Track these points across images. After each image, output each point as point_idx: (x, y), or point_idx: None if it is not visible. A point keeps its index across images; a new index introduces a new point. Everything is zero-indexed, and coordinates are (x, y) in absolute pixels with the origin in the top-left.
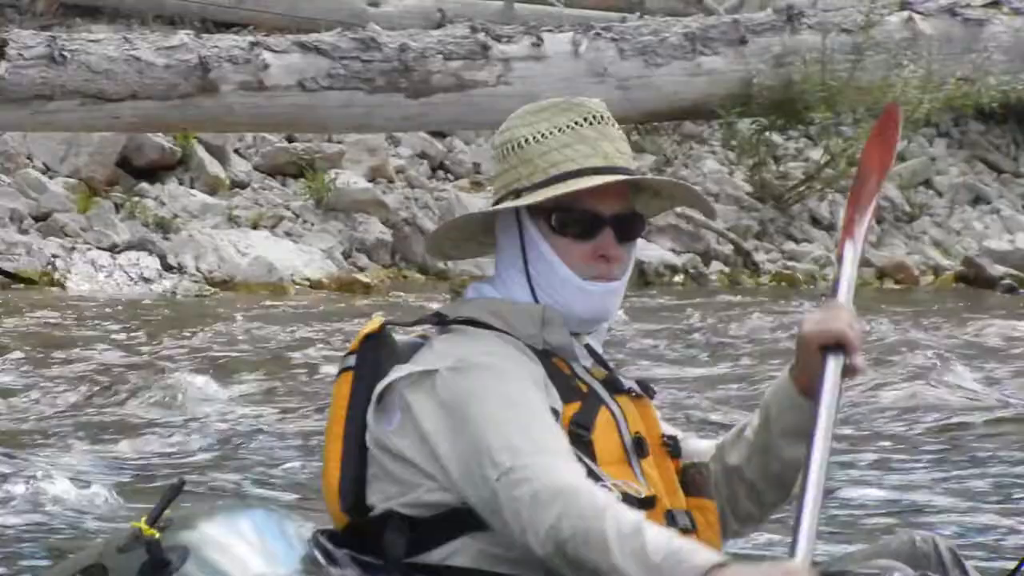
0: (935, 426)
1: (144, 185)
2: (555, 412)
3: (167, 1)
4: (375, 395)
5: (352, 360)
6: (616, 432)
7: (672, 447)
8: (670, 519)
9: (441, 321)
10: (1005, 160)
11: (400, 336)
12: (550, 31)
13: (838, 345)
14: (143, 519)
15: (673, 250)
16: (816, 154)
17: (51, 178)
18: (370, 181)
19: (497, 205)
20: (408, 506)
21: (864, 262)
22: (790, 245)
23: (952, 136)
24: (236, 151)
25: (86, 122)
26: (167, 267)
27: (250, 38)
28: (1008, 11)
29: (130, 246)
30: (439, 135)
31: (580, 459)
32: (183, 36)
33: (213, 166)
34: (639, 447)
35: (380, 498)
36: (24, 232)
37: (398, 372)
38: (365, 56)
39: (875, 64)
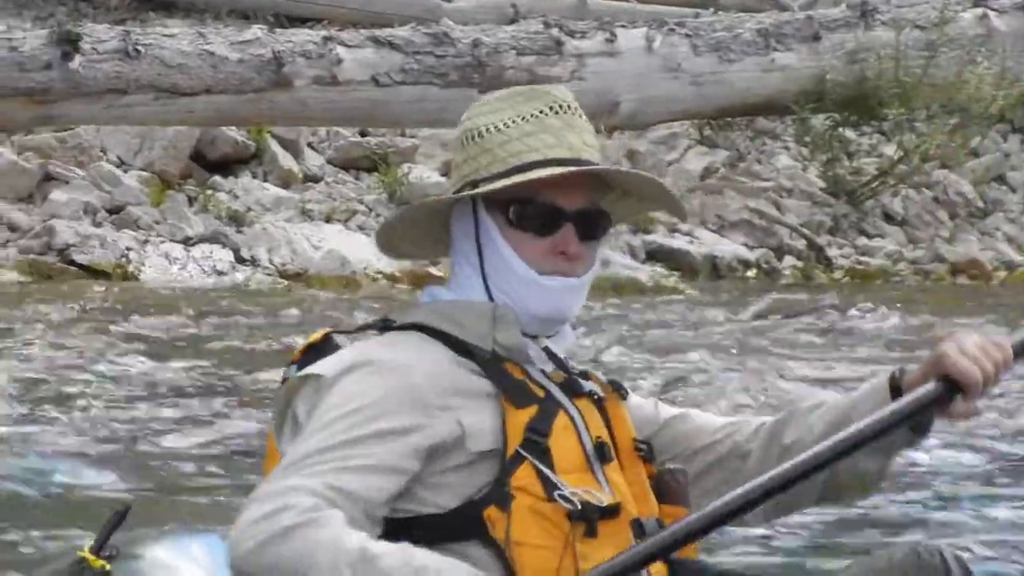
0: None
1: (217, 179)
2: (461, 438)
3: None
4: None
5: (294, 369)
6: (576, 437)
7: (645, 452)
8: (637, 528)
9: (385, 326)
10: None
11: (343, 341)
12: (624, 27)
13: (958, 385)
14: (87, 547)
15: (746, 245)
16: (890, 150)
17: (125, 171)
18: (443, 175)
19: (450, 195)
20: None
21: (937, 258)
22: (863, 240)
23: None
24: (309, 145)
25: (160, 116)
26: (240, 260)
27: (323, 33)
28: None
29: (203, 239)
30: None
31: (537, 468)
32: (256, 31)
33: (286, 160)
34: (601, 452)
35: None
36: (98, 225)
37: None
38: (439, 51)
39: (949, 60)
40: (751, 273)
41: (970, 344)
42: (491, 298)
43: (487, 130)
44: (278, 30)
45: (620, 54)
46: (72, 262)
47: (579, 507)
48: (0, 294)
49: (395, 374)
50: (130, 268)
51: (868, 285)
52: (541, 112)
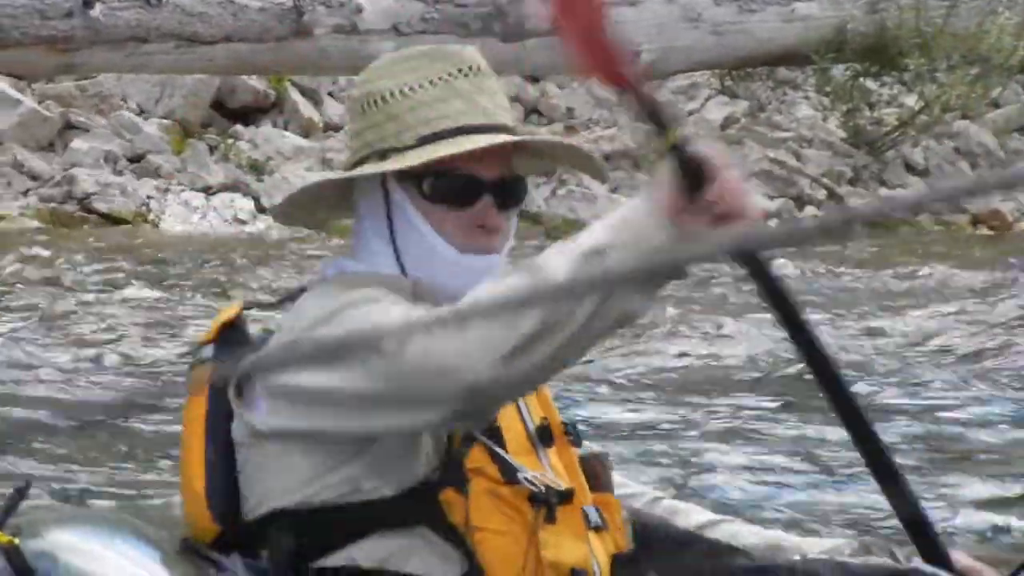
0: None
1: (238, 127)
2: None
3: None
4: (233, 391)
5: (209, 351)
6: (519, 419)
7: (574, 436)
8: (585, 516)
9: (299, 293)
10: None
11: (254, 333)
12: None
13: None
14: None
15: (766, 195)
16: (910, 100)
17: (145, 120)
18: None
19: (358, 167)
20: (303, 502)
21: (958, 209)
22: (884, 191)
23: None
24: (330, 94)
25: (180, 65)
26: (261, 209)
27: None
28: None
29: (224, 188)
30: (533, 79)
31: (491, 449)
32: None
33: (307, 109)
34: (544, 435)
35: (261, 498)
36: (119, 173)
37: (251, 362)
38: (459, 0)
39: (970, 11)
40: (772, 223)
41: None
42: (404, 272)
43: (391, 95)
44: None
45: (641, 3)
46: (93, 210)
47: (542, 489)
48: (22, 242)
49: (362, 289)
50: (150, 216)
51: (890, 234)
52: (449, 75)
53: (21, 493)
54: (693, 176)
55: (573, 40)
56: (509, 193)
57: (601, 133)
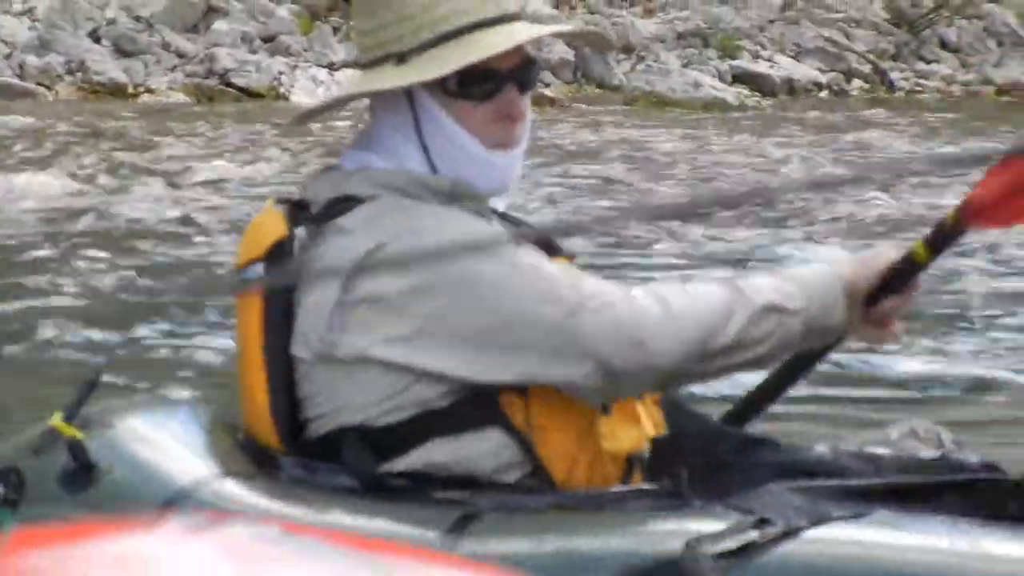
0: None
1: None
2: None
3: None
4: (318, 308)
5: (258, 269)
6: None
7: None
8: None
9: (346, 206)
10: None
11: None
12: None
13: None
14: (57, 416)
15: (819, 69)
16: None
17: (278, 4)
18: (555, 7)
19: (372, 69)
20: (373, 417)
21: (985, 80)
22: (921, 65)
23: None
24: None
25: None
26: None
27: None
28: None
29: (346, 64)
30: None
31: None
32: None
33: None
34: None
35: (329, 415)
36: (254, 52)
37: (330, 274)
38: None
39: None
40: (823, 94)
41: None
42: (435, 170)
43: None
44: None
45: None
46: (231, 84)
47: None
48: (173, 112)
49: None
50: (281, 90)
51: (925, 103)
52: None
53: (92, 384)
54: (890, 287)
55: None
56: (528, 77)
57: (677, 14)
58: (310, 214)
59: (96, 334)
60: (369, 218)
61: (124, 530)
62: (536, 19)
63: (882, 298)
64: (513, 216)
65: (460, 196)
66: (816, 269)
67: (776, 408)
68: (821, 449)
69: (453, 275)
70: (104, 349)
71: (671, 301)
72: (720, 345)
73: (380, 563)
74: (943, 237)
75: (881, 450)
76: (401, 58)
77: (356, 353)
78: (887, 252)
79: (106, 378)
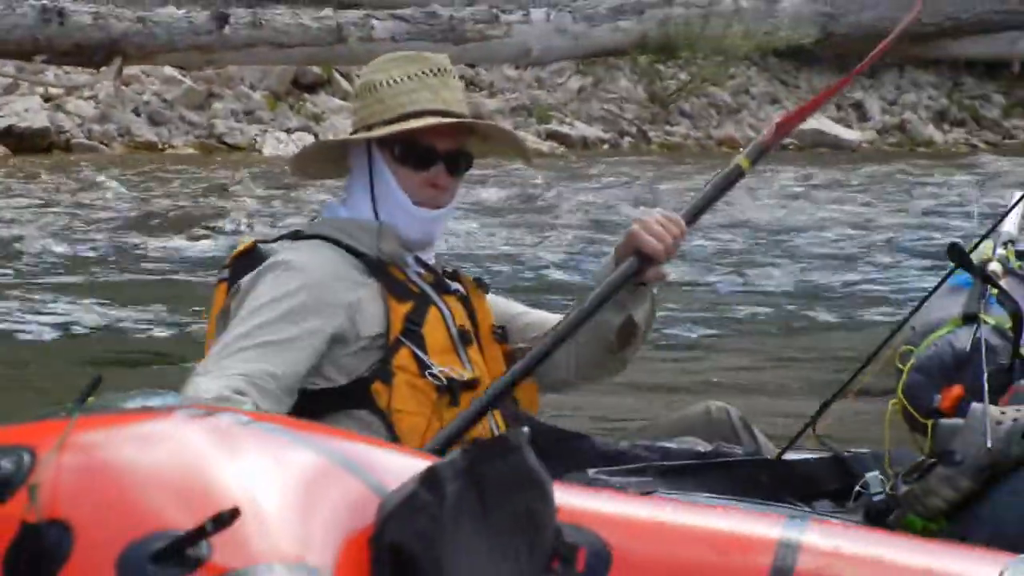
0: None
1: (305, 95)
2: (348, 325)
3: None
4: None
5: (226, 272)
6: (444, 326)
7: (500, 335)
8: (510, 418)
9: (296, 236)
10: None
11: (265, 249)
12: (534, 6)
13: (648, 258)
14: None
15: (603, 130)
16: (683, 75)
17: (254, 90)
18: None
19: (355, 134)
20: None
21: (709, 136)
22: (668, 127)
23: None
24: (357, 75)
25: (274, 59)
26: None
27: (364, 12)
28: None
29: (298, 129)
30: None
31: (412, 351)
32: (328, 11)
33: (344, 83)
34: (464, 337)
35: None
36: (239, 121)
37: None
38: (430, 21)
39: (716, 23)
40: (605, 146)
41: (652, 223)
42: (377, 217)
43: (381, 84)
44: (339, 11)
45: (531, 22)
46: (223, 142)
47: (445, 381)
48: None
49: (303, 272)
50: (256, 146)
51: (671, 152)
52: (423, 73)
53: (93, 386)
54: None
55: None
56: (457, 162)
57: (510, 95)
58: (272, 241)
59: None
60: (276, 250)
61: (150, 417)
62: (478, 116)
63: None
64: (431, 265)
65: (383, 237)
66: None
67: (591, 408)
68: (623, 443)
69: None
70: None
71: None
72: None
73: (326, 442)
74: (760, 150)
75: (668, 443)
76: (369, 128)
77: None
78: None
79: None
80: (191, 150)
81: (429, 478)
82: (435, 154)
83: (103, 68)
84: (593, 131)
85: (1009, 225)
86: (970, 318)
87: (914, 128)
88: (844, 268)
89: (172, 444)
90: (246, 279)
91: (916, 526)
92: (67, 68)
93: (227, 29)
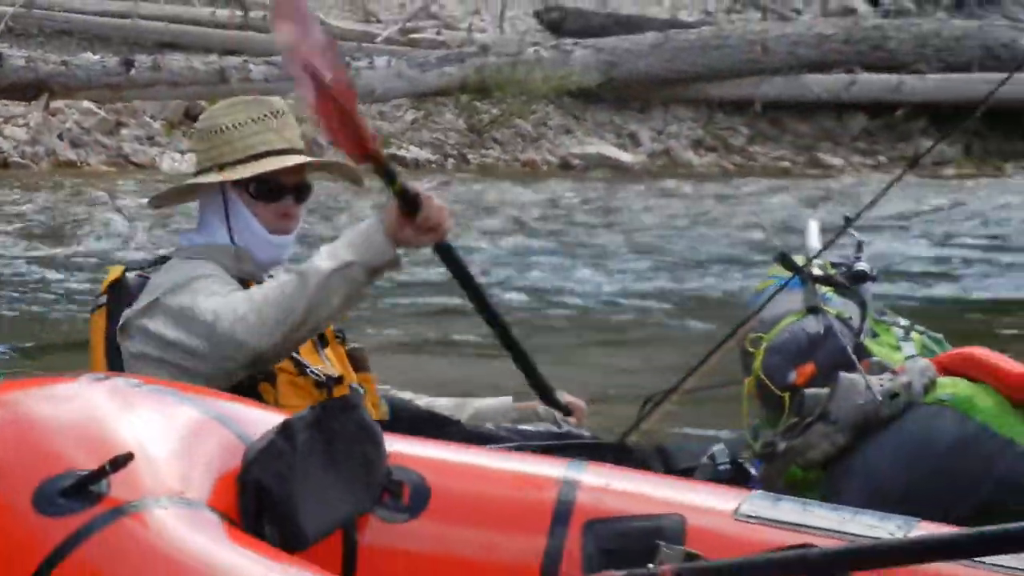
0: None
1: (196, 124)
2: None
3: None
4: (119, 328)
5: (104, 299)
6: None
7: (341, 337)
8: (352, 391)
9: (164, 261)
10: None
11: (133, 277)
12: (377, 55)
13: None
14: None
15: (431, 153)
16: (495, 110)
17: (154, 120)
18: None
19: (202, 175)
20: None
21: (515, 159)
22: (483, 151)
23: None
24: None
25: (172, 96)
26: None
27: (243, 58)
28: None
29: (190, 151)
30: None
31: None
32: (214, 57)
33: None
34: (322, 340)
35: None
36: (142, 144)
37: (129, 312)
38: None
39: (526, 66)
40: (434, 167)
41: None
42: (232, 241)
43: (227, 127)
44: (223, 56)
45: (376, 68)
46: (131, 161)
47: (324, 378)
48: (101, 175)
49: (208, 267)
50: (156, 163)
51: (486, 172)
52: (265, 116)
53: None
54: (411, 206)
55: (330, 127)
56: (302, 193)
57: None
58: (138, 264)
59: None
60: (160, 272)
61: (60, 380)
62: (314, 154)
63: (412, 213)
64: None
65: (243, 260)
66: (361, 225)
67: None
68: (488, 425)
69: (177, 308)
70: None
71: (255, 300)
72: (299, 316)
73: (204, 400)
74: (383, 171)
75: (527, 427)
76: (221, 167)
77: (140, 355)
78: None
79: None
80: (104, 167)
81: (285, 429)
82: (285, 188)
83: (33, 101)
84: (424, 154)
85: (813, 240)
86: (813, 309)
87: (676, 153)
88: (656, 272)
89: (78, 401)
90: (158, 276)
91: (797, 476)
92: (4, 101)
93: (133, 71)
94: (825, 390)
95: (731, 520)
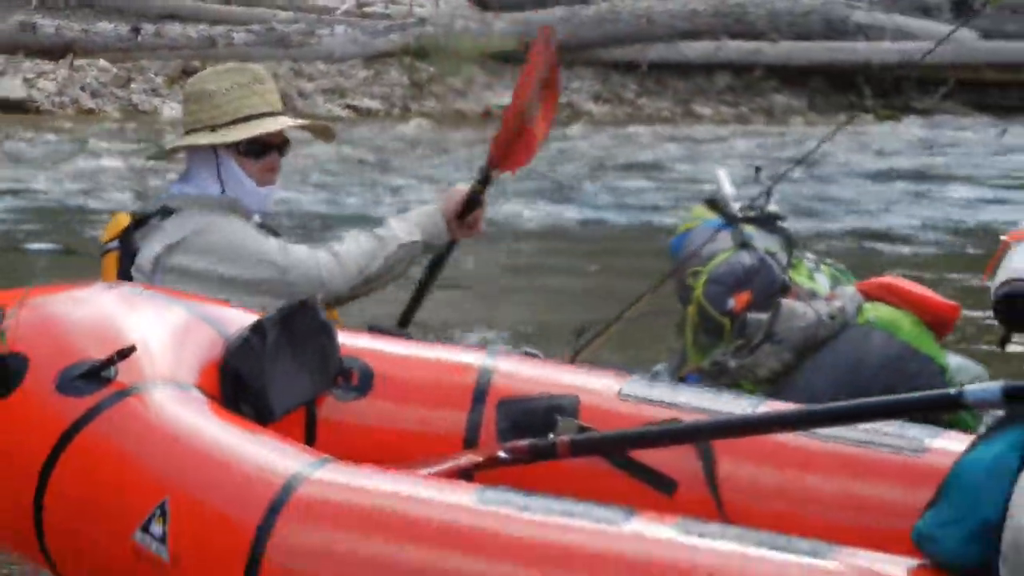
0: None
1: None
2: None
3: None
4: (143, 266)
5: (115, 244)
6: None
7: None
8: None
9: (166, 211)
10: None
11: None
12: (337, 24)
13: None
14: None
15: (381, 103)
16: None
17: (155, 76)
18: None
19: (194, 134)
20: None
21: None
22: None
23: None
24: None
25: (173, 55)
26: None
27: (228, 27)
28: None
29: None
30: None
31: None
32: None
33: None
34: None
35: None
36: (147, 96)
37: (152, 249)
38: (269, 34)
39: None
40: (381, 114)
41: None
42: (224, 193)
43: (215, 91)
44: (212, 25)
45: (335, 35)
46: (139, 109)
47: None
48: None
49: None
50: (158, 111)
51: (426, 119)
52: (249, 82)
53: None
54: (474, 206)
55: (515, 152)
56: (283, 149)
57: (320, 82)
58: (145, 217)
59: None
60: (175, 220)
61: (78, 287)
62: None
63: (467, 212)
64: (268, 224)
65: (236, 209)
66: (425, 209)
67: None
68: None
69: (222, 247)
70: None
71: (340, 253)
72: (374, 271)
73: (192, 304)
74: (486, 177)
75: None
76: (213, 129)
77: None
78: (463, 188)
79: None
80: (117, 115)
81: (257, 327)
82: (270, 146)
83: (60, 60)
84: (375, 104)
85: (726, 187)
86: (744, 245)
87: (579, 104)
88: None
89: (92, 304)
90: (197, 240)
91: (747, 390)
92: (37, 60)
93: (140, 38)
94: (765, 315)
95: (616, 399)
